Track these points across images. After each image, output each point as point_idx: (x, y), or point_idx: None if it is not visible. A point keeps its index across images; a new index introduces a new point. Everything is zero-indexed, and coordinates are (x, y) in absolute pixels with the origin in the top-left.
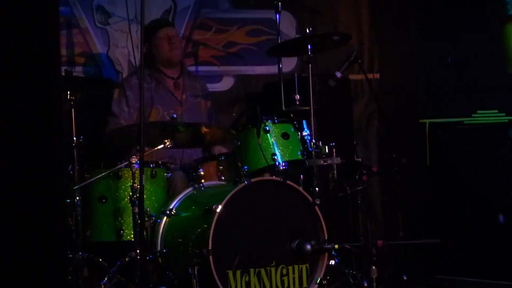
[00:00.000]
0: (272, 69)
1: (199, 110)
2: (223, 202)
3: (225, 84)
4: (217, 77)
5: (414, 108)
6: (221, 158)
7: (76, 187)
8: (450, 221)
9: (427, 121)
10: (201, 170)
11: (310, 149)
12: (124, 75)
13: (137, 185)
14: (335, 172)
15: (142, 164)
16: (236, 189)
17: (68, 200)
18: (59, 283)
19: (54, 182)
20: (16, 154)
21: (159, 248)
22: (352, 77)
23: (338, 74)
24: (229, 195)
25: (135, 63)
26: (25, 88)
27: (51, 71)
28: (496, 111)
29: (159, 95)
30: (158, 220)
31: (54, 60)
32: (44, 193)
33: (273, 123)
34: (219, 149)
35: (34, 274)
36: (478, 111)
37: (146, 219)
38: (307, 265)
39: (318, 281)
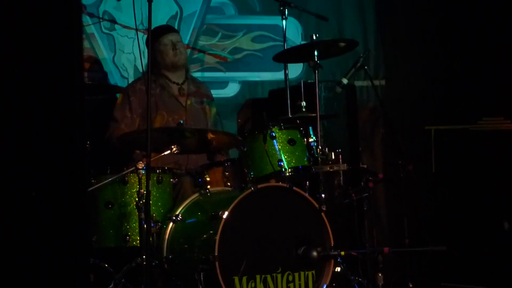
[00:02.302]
0: (278, 76)
1: (203, 116)
2: (229, 208)
3: (231, 90)
4: (223, 83)
5: (420, 114)
6: (227, 164)
7: None
8: (456, 228)
9: (433, 128)
10: (207, 176)
11: (316, 155)
12: (130, 81)
13: (144, 191)
14: (341, 178)
15: (149, 169)
16: (242, 195)
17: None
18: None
19: (77, 183)
20: (40, 155)
21: (165, 254)
22: (358, 83)
23: (345, 81)
24: (235, 201)
25: (142, 68)
26: (49, 90)
27: (74, 71)
28: (502, 118)
29: (163, 101)
30: (164, 226)
31: (77, 62)
32: (67, 194)
33: (280, 129)
34: (219, 157)
35: (58, 276)
36: (484, 118)
37: (152, 225)
38: (313, 271)
39: None
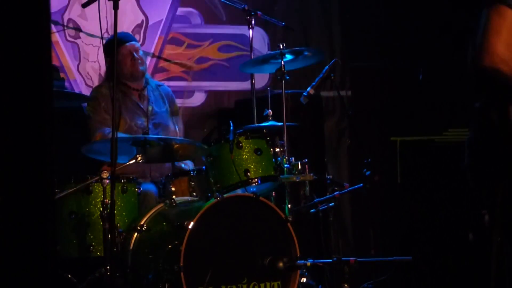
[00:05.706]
0: (244, 85)
1: (165, 123)
2: (195, 219)
3: (197, 99)
4: (189, 93)
5: (385, 125)
6: (193, 173)
7: None
8: (421, 239)
9: (398, 139)
10: (172, 186)
11: (283, 165)
12: None
13: (108, 201)
14: (307, 188)
15: (114, 179)
16: (208, 205)
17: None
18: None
19: (45, 188)
20: (8, 159)
21: (129, 264)
22: (324, 93)
23: (311, 91)
24: (201, 211)
25: (108, 77)
26: (18, 93)
27: (43, 75)
28: (467, 129)
29: (126, 106)
30: (129, 236)
31: (46, 65)
32: (35, 199)
33: (246, 138)
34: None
35: (24, 278)
36: (449, 129)
37: (117, 235)
38: (279, 282)
39: None
